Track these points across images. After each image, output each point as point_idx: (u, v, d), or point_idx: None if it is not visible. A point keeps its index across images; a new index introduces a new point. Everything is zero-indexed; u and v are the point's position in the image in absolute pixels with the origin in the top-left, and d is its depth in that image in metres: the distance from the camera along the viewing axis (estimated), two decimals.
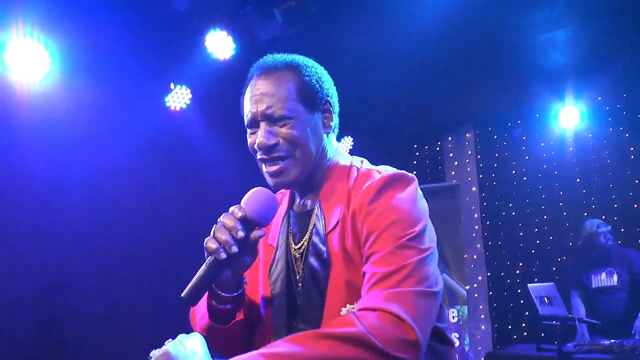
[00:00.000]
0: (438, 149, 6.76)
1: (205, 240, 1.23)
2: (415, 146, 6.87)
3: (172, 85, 4.48)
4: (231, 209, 1.27)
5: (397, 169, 1.38)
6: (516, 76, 5.18)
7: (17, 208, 3.65)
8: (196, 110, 4.66)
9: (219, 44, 4.02)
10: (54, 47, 3.64)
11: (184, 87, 4.57)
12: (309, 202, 1.45)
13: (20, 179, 3.65)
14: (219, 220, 1.25)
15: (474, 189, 6.42)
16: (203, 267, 1.21)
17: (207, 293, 1.32)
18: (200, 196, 4.78)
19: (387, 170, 1.37)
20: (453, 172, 6.58)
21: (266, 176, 1.41)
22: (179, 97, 4.57)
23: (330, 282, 1.31)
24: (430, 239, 1.28)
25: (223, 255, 1.20)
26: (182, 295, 1.18)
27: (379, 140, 6.19)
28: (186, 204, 4.72)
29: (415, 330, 1.10)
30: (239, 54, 4.11)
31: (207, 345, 1.20)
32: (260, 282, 1.47)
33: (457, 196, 5.86)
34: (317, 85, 1.41)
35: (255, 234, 1.27)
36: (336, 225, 1.34)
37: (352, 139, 6.00)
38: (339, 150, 1.50)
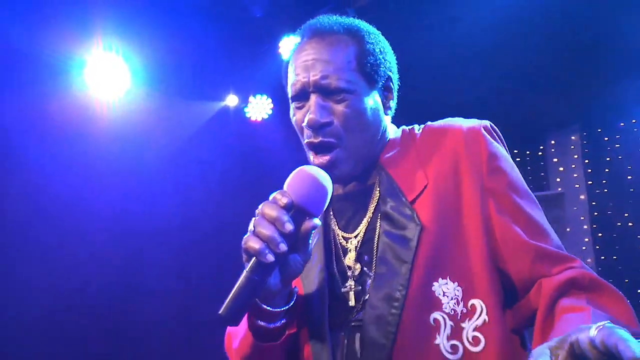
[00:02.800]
0: (540, 153, 6.21)
1: (244, 239, 0.97)
2: (516, 151, 6.37)
3: (250, 97, 4.37)
4: (273, 194, 1.00)
5: None
6: (627, 71, 4.62)
7: (104, 220, 3.69)
8: (278, 120, 4.53)
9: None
10: (135, 63, 3.64)
11: (264, 96, 4.45)
12: (361, 182, 1.22)
13: (104, 193, 3.67)
14: (257, 211, 0.99)
15: (582, 197, 5.82)
16: (244, 274, 0.95)
17: (248, 312, 1.06)
18: None
19: (467, 120, 1.20)
20: (558, 179, 6.02)
21: (312, 159, 1.18)
22: (259, 107, 4.45)
23: (420, 253, 1.07)
24: None
25: (270, 258, 0.94)
26: (220, 312, 0.93)
27: None
28: None
29: None
30: None
31: None
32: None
33: (562, 205, 5.36)
34: (381, 57, 1.18)
35: (307, 225, 1.00)
36: (424, 188, 1.13)
37: None
38: (392, 127, 1.27)
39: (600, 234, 5.66)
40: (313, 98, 1.13)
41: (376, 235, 1.14)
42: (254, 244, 0.95)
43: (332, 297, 1.15)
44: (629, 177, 5.51)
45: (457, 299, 1.06)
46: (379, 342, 1.05)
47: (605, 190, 5.70)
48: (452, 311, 1.06)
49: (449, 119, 1.22)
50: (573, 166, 5.92)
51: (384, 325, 1.05)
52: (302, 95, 1.15)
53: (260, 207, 0.99)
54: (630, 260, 5.43)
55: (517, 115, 5.51)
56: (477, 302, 1.06)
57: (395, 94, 1.25)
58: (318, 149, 1.15)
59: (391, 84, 1.23)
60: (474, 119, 1.20)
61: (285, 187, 1.01)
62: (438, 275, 1.07)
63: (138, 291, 3.88)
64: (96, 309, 3.69)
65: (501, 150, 1.16)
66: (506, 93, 4.98)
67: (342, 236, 1.19)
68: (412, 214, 1.10)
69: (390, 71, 1.22)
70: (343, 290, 1.15)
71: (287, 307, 1.08)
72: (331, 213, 1.24)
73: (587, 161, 5.86)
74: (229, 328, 1.21)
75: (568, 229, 5.40)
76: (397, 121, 1.31)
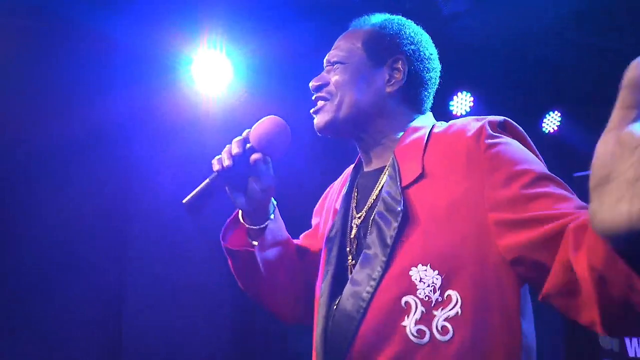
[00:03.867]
0: None
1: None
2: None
3: None
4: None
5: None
6: None
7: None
8: None
9: None
10: (237, 57, 3.76)
11: None
12: (379, 162, 1.35)
13: None
14: None
15: None
16: (206, 179, 1.33)
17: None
18: None
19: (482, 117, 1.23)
20: None
21: None
22: None
23: (402, 237, 1.15)
24: None
25: (217, 166, 1.31)
26: (184, 200, 1.30)
27: (590, 113, 5.41)
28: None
29: None
30: None
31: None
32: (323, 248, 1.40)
33: None
34: (388, 39, 1.34)
35: (253, 156, 1.31)
36: (418, 176, 1.20)
37: (559, 114, 5.15)
38: (427, 117, 1.38)
39: None
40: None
41: (372, 215, 1.24)
42: (214, 160, 1.33)
43: (337, 266, 1.30)
44: None
45: (435, 286, 1.10)
46: (350, 314, 1.15)
47: None
48: (427, 297, 1.10)
49: (470, 117, 1.27)
50: None
51: (358, 301, 1.15)
52: None
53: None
54: None
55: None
56: (454, 294, 1.09)
57: (405, 76, 1.33)
58: (315, 101, 1.39)
59: (403, 66, 1.33)
60: (492, 116, 1.23)
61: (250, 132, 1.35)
62: (418, 261, 1.12)
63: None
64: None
65: (503, 141, 1.14)
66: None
67: (353, 214, 1.34)
68: (400, 199, 1.18)
69: (405, 56, 1.34)
70: (345, 264, 1.29)
71: (262, 225, 1.37)
72: (355, 190, 1.39)
73: None
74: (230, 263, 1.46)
75: None
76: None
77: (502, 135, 1.17)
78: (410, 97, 1.37)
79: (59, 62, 3.38)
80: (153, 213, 3.68)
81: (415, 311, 1.10)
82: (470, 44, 3.98)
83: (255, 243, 1.37)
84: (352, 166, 1.49)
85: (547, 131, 5.10)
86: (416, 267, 1.11)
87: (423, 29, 1.44)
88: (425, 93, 1.39)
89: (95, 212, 3.49)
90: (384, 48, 1.34)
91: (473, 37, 3.90)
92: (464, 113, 4.66)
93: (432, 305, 1.10)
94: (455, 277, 1.10)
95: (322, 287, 1.30)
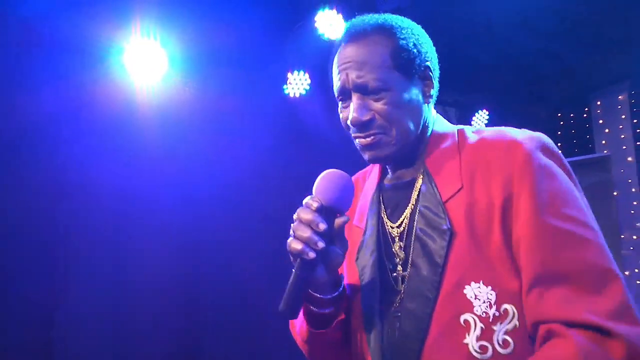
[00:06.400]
0: (585, 115, 6.02)
1: (288, 242, 1.15)
2: (559, 115, 6.19)
3: (289, 74, 4.33)
4: (305, 200, 1.17)
5: None
6: None
7: (148, 207, 3.74)
8: (315, 95, 4.49)
9: (329, 24, 3.78)
10: (171, 46, 3.64)
11: (301, 72, 4.41)
12: (408, 173, 1.32)
13: (146, 179, 3.72)
14: (295, 216, 1.16)
15: (629, 158, 5.65)
16: (293, 272, 1.14)
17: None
18: None
19: (523, 131, 1.22)
20: (604, 142, 5.84)
21: (360, 149, 1.30)
22: (297, 84, 4.42)
23: (451, 255, 1.16)
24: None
25: (311, 255, 1.12)
26: (280, 308, 1.12)
27: (517, 111, 5.64)
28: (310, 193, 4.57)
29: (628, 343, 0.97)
30: None
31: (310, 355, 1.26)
32: (345, 270, 1.37)
33: (609, 169, 5.20)
34: (415, 50, 1.26)
35: (338, 221, 1.18)
36: (458, 191, 1.20)
37: (487, 112, 5.50)
38: (440, 119, 1.36)
39: None
40: (354, 98, 1.24)
41: (414, 229, 1.23)
42: (296, 245, 1.13)
43: (382, 281, 1.26)
44: None
45: (490, 302, 1.12)
46: (413, 335, 1.16)
47: None
48: (484, 314, 1.12)
49: (503, 128, 1.25)
50: (620, 127, 5.73)
51: (418, 322, 1.16)
52: (344, 95, 1.27)
53: (296, 213, 1.16)
54: None
55: (561, 77, 5.34)
56: (509, 307, 1.12)
57: (435, 81, 1.31)
58: (368, 146, 1.26)
59: (430, 73, 1.29)
60: (527, 132, 1.22)
61: (314, 192, 1.18)
62: (470, 279, 1.13)
63: (189, 274, 3.95)
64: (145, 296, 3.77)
65: (540, 162, 1.15)
66: (550, 57, 4.82)
67: (389, 225, 1.30)
68: (444, 216, 1.18)
69: (428, 60, 1.29)
70: (393, 274, 1.25)
71: (336, 294, 1.24)
72: (382, 203, 1.34)
73: (635, 121, 5.65)
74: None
75: (615, 193, 5.26)
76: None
77: (551, 162, 1.17)
78: (433, 100, 1.35)
79: None
80: (92, 210, 3.54)
81: (475, 328, 1.12)
82: None
83: (327, 311, 1.26)
84: (360, 174, 1.47)
85: None
86: (469, 285, 1.13)
87: None
88: (437, 87, 1.36)
89: (28, 213, 3.33)
90: (412, 59, 1.26)
91: None
92: None
93: (490, 320, 1.12)
94: (508, 292, 1.12)
95: (367, 301, 1.26)
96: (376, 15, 1.31)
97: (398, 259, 1.26)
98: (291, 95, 4.41)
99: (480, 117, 5.39)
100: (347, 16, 3.74)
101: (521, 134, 1.20)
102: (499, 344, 1.11)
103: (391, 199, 1.33)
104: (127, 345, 3.58)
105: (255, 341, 4.10)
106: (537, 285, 1.07)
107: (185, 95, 3.72)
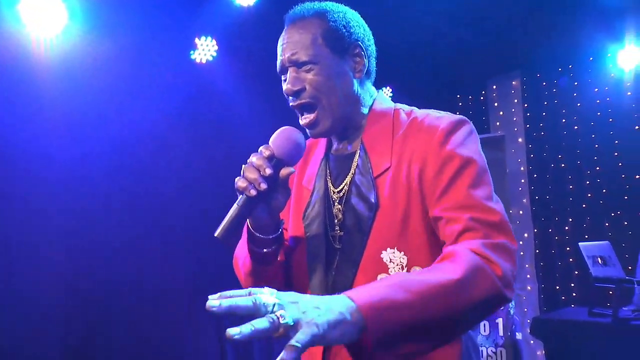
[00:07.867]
0: (482, 98, 6.38)
1: (236, 179, 1.27)
2: (458, 96, 6.52)
3: (196, 40, 4.28)
4: (260, 148, 1.30)
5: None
6: (566, 16, 4.74)
7: (37, 180, 3.56)
8: (223, 62, 4.47)
9: None
10: (72, 0, 3.49)
11: (209, 38, 4.37)
12: (349, 146, 1.48)
13: (38, 144, 3.55)
14: (248, 160, 1.29)
15: (520, 139, 6.05)
16: (235, 205, 1.25)
17: (247, 239, 1.38)
18: (234, 150, 4.59)
19: (447, 114, 1.39)
20: (498, 123, 6.22)
21: (303, 126, 1.44)
22: (204, 50, 4.38)
23: (375, 225, 1.34)
24: None
25: (253, 192, 1.24)
26: (216, 234, 1.22)
27: (419, 90, 5.86)
28: (220, 160, 4.52)
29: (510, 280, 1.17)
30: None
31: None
32: (291, 224, 1.52)
33: (503, 148, 5.52)
34: (344, 30, 1.42)
35: (284, 171, 1.30)
36: (387, 169, 1.37)
37: (391, 90, 5.72)
38: (381, 96, 1.52)
39: (535, 175, 5.93)
40: (289, 71, 1.40)
41: (350, 196, 1.41)
42: (242, 183, 1.25)
43: (325, 236, 1.43)
44: (563, 121, 5.75)
45: (402, 265, 1.32)
46: (340, 289, 1.26)
47: (542, 133, 5.93)
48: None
49: (431, 111, 1.41)
50: (513, 110, 6.12)
51: (345, 279, 1.37)
52: (282, 71, 1.43)
53: (250, 157, 1.28)
54: (562, 199, 5.74)
55: (460, 61, 5.63)
56: (418, 269, 1.31)
57: (367, 59, 1.46)
58: (300, 109, 1.42)
59: (360, 50, 1.44)
60: (451, 116, 1.38)
61: (270, 142, 1.31)
62: (387, 245, 1.33)
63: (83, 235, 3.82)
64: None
65: (457, 135, 1.33)
66: (450, 41, 5.06)
67: (332, 189, 1.46)
68: (372, 191, 1.36)
69: (358, 40, 1.44)
70: (331, 233, 1.43)
71: (275, 235, 1.37)
72: (328, 170, 1.50)
73: (526, 105, 6.06)
74: (235, 253, 1.51)
75: (507, 170, 5.60)
76: None
77: (466, 141, 1.33)
78: (369, 76, 1.50)
79: None
80: None
81: None
82: None
83: (267, 250, 1.40)
84: (313, 141, 1.58)
85: None
86: (386, 250, 1.33)
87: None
88: (375, 64, 1.51)
89: None
90: (341, 38, 1.41)
91: None
92: None
93: None
94: (418, 256, 1.31)
95: (311, 258, 1.43)
96: (314, 3, 1.47)
97: (337, 220, 1.43)
98: (197, 60, 4.37)
99: (384, 94, 5.56)
100: None
101: (446, 118, 1.36)
102: None
103: (335, 167, 1.49)
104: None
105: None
106: (444, 217, 1.26)
107: (87, 51, 3.57)
